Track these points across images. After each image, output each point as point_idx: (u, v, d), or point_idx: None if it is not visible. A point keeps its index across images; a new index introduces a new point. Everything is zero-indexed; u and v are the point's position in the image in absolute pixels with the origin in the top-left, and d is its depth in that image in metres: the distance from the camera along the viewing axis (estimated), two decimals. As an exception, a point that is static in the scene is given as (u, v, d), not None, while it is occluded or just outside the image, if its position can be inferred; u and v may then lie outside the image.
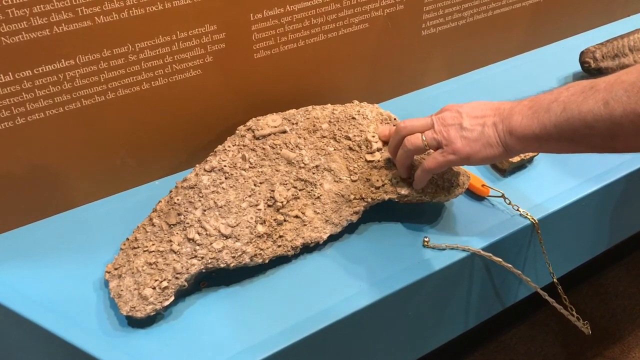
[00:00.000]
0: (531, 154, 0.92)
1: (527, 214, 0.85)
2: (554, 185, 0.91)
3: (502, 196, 0.87)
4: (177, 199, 0.76)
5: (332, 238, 0.80)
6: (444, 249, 0.80)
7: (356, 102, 0.91)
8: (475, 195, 0.88)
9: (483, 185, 0.88)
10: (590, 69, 1.09)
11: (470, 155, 0.71)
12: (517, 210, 0.86)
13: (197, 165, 0.80)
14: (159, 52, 0.79)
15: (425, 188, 0.81)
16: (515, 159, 0.91)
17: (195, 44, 0.81)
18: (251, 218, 0.76)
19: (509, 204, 0.86)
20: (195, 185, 0.77)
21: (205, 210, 0.75)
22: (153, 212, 0.78)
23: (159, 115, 0.84)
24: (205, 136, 0.89)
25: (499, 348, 1.37)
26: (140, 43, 0.77)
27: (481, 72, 1.16)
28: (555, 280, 0.87)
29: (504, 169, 0.92)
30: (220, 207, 0.75)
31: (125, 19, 0.74)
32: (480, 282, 0.85)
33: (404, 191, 0.80)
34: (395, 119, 0.90)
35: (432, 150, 0.75)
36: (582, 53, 1.10)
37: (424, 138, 0.74)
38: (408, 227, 0.84)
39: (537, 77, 1.14)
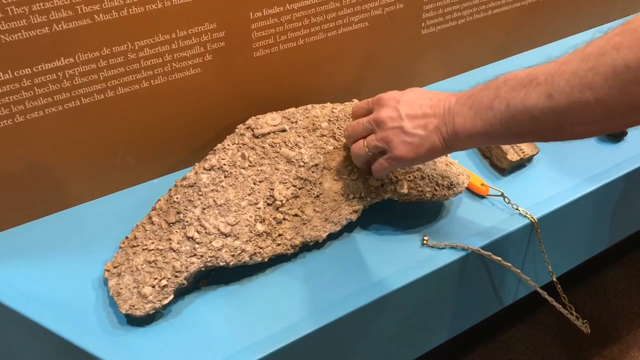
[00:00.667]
0: (531, 153, 0.92)
1: (526, 213, 0.85)
2: (553, 184, 0.91)
3: (502, 195, 0.87)
4: (177, 198, 0.76)
5: (332, 237, 0.80)
6: (443, 248, 0.80)
7: (355, 100, 0.91)
8: (475, 194, 0.88)
9: (482, 184, 0.88)
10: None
11: (415, 160, 0.71)
12: (517, 209, 0.86)
13: (197, 163, 0.80)
14: (158, 51, 0.79)
15: (425, 187, 0.81)
16: (515, 158, 0.91)
17: (194, 42, 0.81)
18: (250, 216, 0.76)
19: (508, 202, 0.86)
20: (195, 183, 0.77)
21: (204, 209, 0.75)
22: (152, 210, 0.77)
23: (159, 114, 0.84)
24: (204, 135, 0.89)
25: (498, 347, 1.37)
26: (140, 41, 0.77)
27: (481, 71, 1.16)
28: (554, 279, 0.87)
29: (504, 168, 0.92)
30: (220, 205, 0.75)
31: (125, 17, 0.74)
32: (479, 281, 0.85)
33: (403, 190, 0.80)
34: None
35: None
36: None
37: (367, 148, 0.74)
38: (407, 225, 0.84)
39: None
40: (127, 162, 0.85)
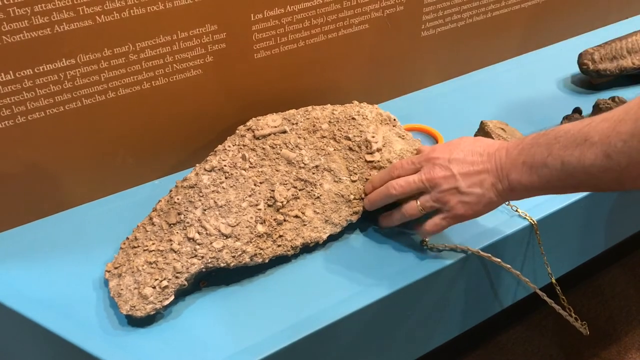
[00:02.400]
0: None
1: (525, 215, 0.85)
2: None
3: (501, 197, 0.87)
4: (177, 199, 0.76)
5: (332, 238, 0.81)
6: (442, 249, 0.80)
7: (356, 102, 0.91)
8: (474, 196, 0.88)
9: (482, 186, 0.88)
10: (588, 70, 1.09)
11: (473, 216, 0.73)
12: (516, 211, 0.86)
13: (197, 164, 0.80)
14: (159, 52, 0.79)
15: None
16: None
17: (195, 43, 0.81)
18: (251, 218, 0.76)
19: (508, 204, 0.87)
20: (196, 184, 0.77)
21: (205, 210, 0.75)
22: (153, 211, 0.78)
23: (159, 115, 0.84)
24: (205, 136, 0.90)
25: (495, 349, 1.37)
26: (141, 42, 0.77)
27: (480, 74, 1.16)
28: (553, 280, 0.87)
29: (503, 170, 0.92)
30: (221, 206, 0.76)
31: (126, 19, 0.74)
32: (478, 283, 0.86)
33: (403, 192, 0.80)
34: (394, 120, 0.90)
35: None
36: (580, 55, 1.11)
37: (421, 207, 0.75)
38: (407, 226, 0.84)
39: (535, 78, 1.15)
40: (127, 163, 0.85)
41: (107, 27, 0.73)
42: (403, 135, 0.88)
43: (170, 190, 0.79)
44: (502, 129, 0.96)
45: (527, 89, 1.11)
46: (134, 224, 0.78)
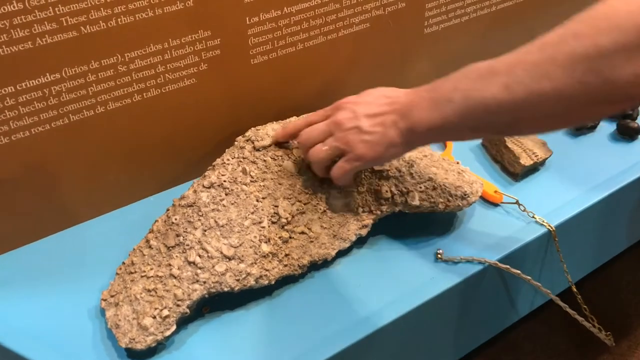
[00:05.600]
0: (544, 156, 0.88)
1: (543, 221, 0.81)
2: (568, 188, 0.87)
3: (516, 203, 0.83)
4: (175, 219, 0.72)
5: (341, 253, 0.76)
6: (458, 262, 0.76)
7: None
8: (488, 203, 0.84)
9: (496, 192, 0.84)
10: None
11: (375, 159, 0.68)
12: (533, 217, 0.81)
13: (195, 180, 0.75)
14: (150, 62, 0.74)
15: (437, 198, 0.77)
16: (528, 163, 0.86)
17: (188, 51, 0.76)
18: (255, 237, 0.71)
19: (524, 210, 0.82)
20: (194, 203, 0.72)
21: (205, 230, 0.70)
22: (150, 233, 0.73)
23: (152, 128, 0.79)
24: (201, 148, 0.85)
25: (504, 346, 1.32)
26: (130, 53, 0.72)
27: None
28: (574, 289, 0.83)
29: (516, 173, 0.88)
30: (222, 226, 0.71)
31: (114, 28, 0.69)
32: (495, 294, 0.81)
33: (415, 202, 0.76)
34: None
35: None
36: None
37: (326, 147, 0.70)
38: (419, 239, 0.79)
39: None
40: (120, 180, 0.80)
41: (93, 37, 0.68)
42: (411, 141, 0.83)
43: (168, 210, 0.74)
44: (513, 129, 0.91)
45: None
46: (129, 246, 0.73)
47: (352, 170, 0.70)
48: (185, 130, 0.82)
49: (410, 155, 0.80)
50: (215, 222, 0.71)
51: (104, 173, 0.78)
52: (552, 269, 0.86)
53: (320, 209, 0.75)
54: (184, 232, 0.70)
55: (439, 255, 0.77)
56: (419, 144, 0.67)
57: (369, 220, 0.76)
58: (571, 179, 0.88)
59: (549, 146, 0.90)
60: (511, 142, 0.88)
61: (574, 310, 0.78)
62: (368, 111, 0.67)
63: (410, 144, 0.66)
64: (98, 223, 0.81)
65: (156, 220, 0.73)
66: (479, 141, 0.94)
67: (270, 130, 0.80)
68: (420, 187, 0.77)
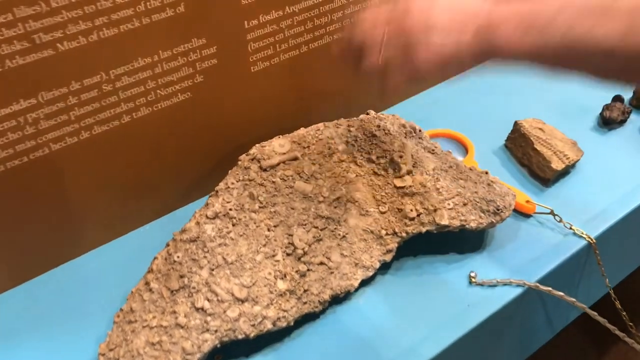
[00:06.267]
0: (575, 158, 0.80)
1: (582, 233, 0.73)
2: (604, 192, 0.79)
3: (551, 213, 0.75)
4: (178, 257, 0.63)
5: (364, 282, 0.68)
6: (495, 285, 0.68)
7: (372, 112, 0.78)
8: (520, 213, 0.76)
9: (528, 202, 0.76)
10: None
11: (437, 65, 0.56)
12: (570, 228, 0.74)
13: (197, 211, 0.66)
14: (139, 78, 0.65)
15: (468, 215, 0.69)
16: (560, 167, 0.79)
17: (181, 63, 0.67)
18: (269, 273, 0.63)
19: (560, 221, 0.74)
20: (198, 237, 0.64)
21: (213, 269, 0.62)
22: (149, 273, 0.64)
23: (144, 150, 0.70)
24: (199, 169, 0.76)
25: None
26: (116, 69, 0.63)
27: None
28: (618, 305, 0.75)
29: (547, 179, 0.80)
30: (231, 263, 0.62)
31: (95, 43, 0.60)
32: (534, 315, 0.74)
33: (443, 221, 0.68)
34: (420, 130, 0.77)
35: None
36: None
37: (384, 33, 0.57)
38: (448, 260, 0.71)
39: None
40: (111, 210, 0.71)
41: (72, 55, 0.59)
42: (432, 149, 0.75)
43: (168, 245, 0.65)
44: (540, 128, 0.83)
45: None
46: (125, 286, 0.65)
47: (409, 75, 0.58)
48: (181, 150, 0.73)
49: (434, 166, 0.72)
50: (224, 259, 0.62)
51: (92, 205, 0.70)
52: (589, 282, 0.78)
53: (339, 234, 0.67)
54: (189, 272, 0.62)
55: (473, 279, 0.69)
56: (493, 63, 0.55)
57: (393, 244, 0.68)
58: (605, 181, 0.81)
59: (579, 146, 0.82)
60: (539, 144, 0.80)
61: (605, 318, 0.71)
62: (447, 5, 0.55)
63: (482, 59, 0.55)
64: (87, 261, 0.72)
65: (155, 258, 0.65)
66: (501, 143, 0.86)
67: (277, 147, 0.71)
68: (449, 204, 0.69)
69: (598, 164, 0.83)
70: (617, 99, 0.90)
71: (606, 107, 0.89)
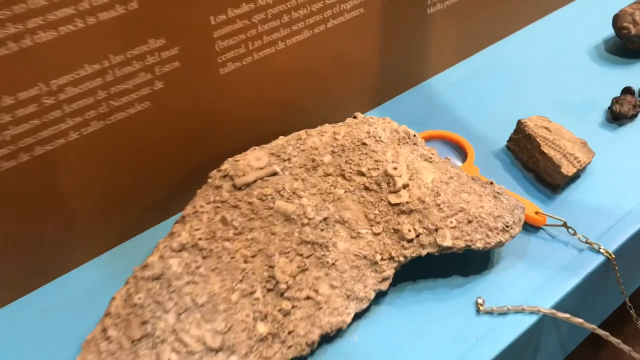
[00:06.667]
0: (586, 161, 0.72)
1: (600, 248, 0.65)
2: (619, 199, 0.71)
3: (564, 225, 0.66)
4: (139, 298, 0.54)
5: (357, 316, 0.59)
6: (506, 313, 0.60)
7: (360, 115, 0.68)
8: (528, 226, 0.68)
9: (537, 213, 0.68)
10: (629, 36, 0.88)
11: None
12: (587, 242, 0.66)
13: (161, 241, 0.57)
14: (87, 88, 0.55)
15: (474, 234, 0.60)
16: (571, 172, 0.70)
17: (137, 68, 0.57)
18: (247, 315, 0.54)
19: (574, 234, 0.66)
20: (162, 274, 0.54)
21: (180, 313, 0.53)
22: (106, 316, 0.55)
23: (96, 172, 0.60)
24: (164, 188, 0.66)
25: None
26: (58, 79, 0.53)
27: (497, 49, 0.94)
28: (634, 315, 0.67)
29: (557, 185, 0.71)
30: (202, 305, 0.53)
31: (30, 49, 0.49)
32: (546, 342, 0.66)
33: (446, 242, 0.59)
34: (415, 136, 0.68)
35: None
36: (617, 17, 0.89)
37: None
38: (451, 284, 0.63)
39: (563, 50, 0.93)
40: (60, 241, 0.62)
41: (2, 65, 0.49)
42: (429, 157, 0.66)
43: (127, 282, 0.56)
44: (546, 127, 0.75)
45: (556, 65, 0.90)
46: (80, 332, 0.56)
47: None
48: (142, 168, 0.63)
49: (433, 177, 0.63)
50: (193, 300, 0.53)
51: (36, 237, 0.60)
52: (604, 298, 0.71)
53: (328, 262, 0.58)
54: (152, 317, 0.52)
55: (480, 306, 0.60)
56: None
57: (389, 270, 0.59)
58: (620, 184, 0.73)
59: (590, 147, 0.74)
60: (547, 146, 0.72)
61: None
62: None
63: None
64: (31, 303, 0.62)
65: (113, 298, 0.55)
66: (502, 143, 0.78)
67: (253, 160, 0.62)
68: (452, 222, 0.60)
69: (610, 165, 0.75)
70: (627, 91, 0.82)
71: (615, 101, 0.80)
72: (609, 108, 0.81)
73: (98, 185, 0.61)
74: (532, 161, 0.73)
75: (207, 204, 0.59)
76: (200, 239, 0.56)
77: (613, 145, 0.78)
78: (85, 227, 0.62)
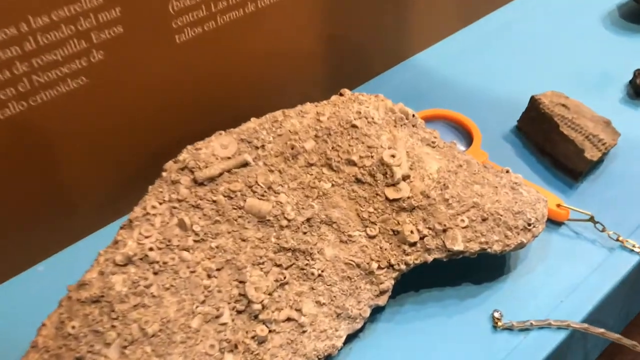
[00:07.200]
0: (612, 143, 0.61)
1: (634, 246, 0.55)
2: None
3: (591, 219, 0.56)
4: (73, 327, 0.42)
5: (350, 337, 0.48)
6: (528, 329, 0.49)
7: (348, 92, 0.57)
8: (549, 221, 0.57)
9: (559, 206, 0.57)
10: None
11: None
12: (618, 239, 0.55)
13: (101, 252, 0.45)
14: (3, 58, 0.42)
15: (490, 235, 0.49)
16: (596, 156, 0.60)
17: (68, 34, 0.45)
18: (212, 346, 0.42)
19: (603, 230, 0.56)
20: (102, 296, 0.43)
21: (125, 347, 0.41)
22: (32, 349, 0.43)
23: (19, 164, 0.48)
24: (106, 186, 0.54)
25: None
26: (-43, 47, 0.40)
27: (502, 14, 0.84)
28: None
29: (579, 172, 0.61)
30: (153, 335, 0.42)
31: None
32: (572, 358, 0.56)
33: (457, 246, 0.48)
34: (413, 116, 0.57)
35: None
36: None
37: None
38: (462, 294, 0.53)
39: (575, 17, 0.83)
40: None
41: None
42: (432, 141, 0.55)
43: (60, 304, 0.44)
44: (563, 105, 0.64)
45: (567, 33, 0.80)
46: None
47: None
48: (77, 160, 0.51)
49: (439, 166, 0.52)
50: (142, 329, 0.42)
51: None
52: (630, 303, 0.61)
53: (313, 274, 0.47)
54: (89, 352, 0.41)
55: (498, 321, 0.50)
56: None
57: (388, 281, 0.49)
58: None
59: (614, 127, 0.64)
60: (566, 127, 0.61)
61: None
62: None
63: None
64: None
65: (43, 325, 0.44)
66: (512, 124, 0.67)
67: (218, 148, 0.50)
68: (463, 220, 0.49)
69: (635, 147, 0.65)
70: (651, 62, 0.72)
71: (638, 74, 0.70)
72: (630, 82, 0.71)
73: (22, 184, 0.49)
74: (549, 144, 0.63)
75: (161, 203, 0.47)
76: (151, 249, 0.45)
77: (635, 125, 0.67)
78: (13, 236, 0.50)
